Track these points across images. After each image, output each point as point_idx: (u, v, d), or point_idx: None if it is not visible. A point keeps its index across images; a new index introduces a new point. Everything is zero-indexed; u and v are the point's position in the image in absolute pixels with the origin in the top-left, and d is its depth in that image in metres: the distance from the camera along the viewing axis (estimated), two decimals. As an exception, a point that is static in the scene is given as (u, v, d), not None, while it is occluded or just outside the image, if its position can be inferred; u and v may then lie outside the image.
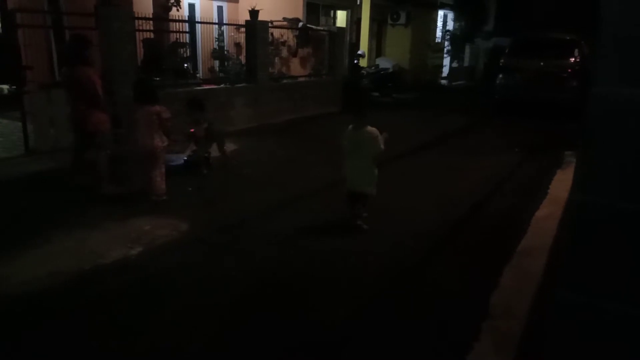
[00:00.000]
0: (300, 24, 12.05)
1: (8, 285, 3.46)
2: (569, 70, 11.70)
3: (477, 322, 3.11)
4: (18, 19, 6.63)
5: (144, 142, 4.95)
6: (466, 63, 22.88)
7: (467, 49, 22.32)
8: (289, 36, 11.86)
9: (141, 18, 8.10)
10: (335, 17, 15.67)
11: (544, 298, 3.27)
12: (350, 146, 4.50)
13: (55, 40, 8.90)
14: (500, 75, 12.56)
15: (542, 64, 11.90)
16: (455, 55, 21.31)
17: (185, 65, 9.43)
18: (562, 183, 6.03)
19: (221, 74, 10.14)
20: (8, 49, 6.79)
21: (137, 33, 7.91)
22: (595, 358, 1.41)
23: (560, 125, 10.39)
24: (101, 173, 5.38)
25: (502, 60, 12.78)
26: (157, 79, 8.36)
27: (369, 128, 4.42)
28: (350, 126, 4.53)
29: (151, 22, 8.73)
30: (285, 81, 11.50)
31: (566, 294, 1.37)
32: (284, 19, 12.00)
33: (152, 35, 8.78)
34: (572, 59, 11.87)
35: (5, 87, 9.22)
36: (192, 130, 6.27)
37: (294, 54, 12.15)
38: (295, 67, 12.29)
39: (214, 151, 6.62)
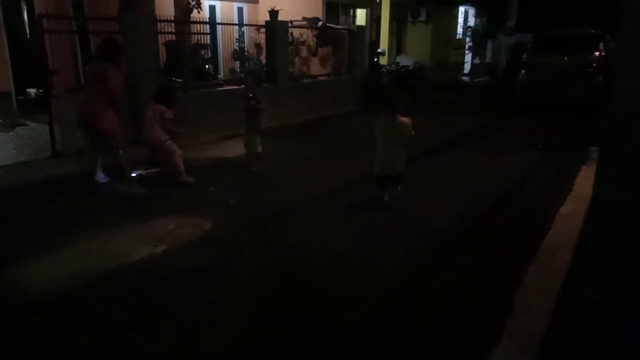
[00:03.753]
0: (320, 24, 12.07)
1: (34, 285, 3.54)
2: (594, 65, 11.45)
3: (500, 320, 3.09)
4: (45, 24, 6.79)
5: (148, 134, 5.86)
6: (488, 59, 22.61)
7: (489, 45, 22.05)
8: (308, 36, 11.89)
9: (163, 21, 8.23)
10: (354, 16, 15.66)
11: (568, 296, 3.22)
12: (384, 134, 5.09)
13: (80, 45, 9.08)
14: (523, 72, 12.37)
15: (565, 59, 11.68)
16: (476, 51, 21.08)
17: (207, 66, 9.54)
18: (586, 180, 5.92)
19: (242, 75, 10.22)
20: (35, 54, 6.97)
21: (159, 36, 8.04)
22: (614, 356, 1.39)
23: (586, 121, 10.17)
24: (126, 174, 5.48)
25: (524, 56, 12.59)
26: (179, 80, 8.48)
27: (401, 118, 5.06)
28: (382, 117, 5.11)
29: (173, 24, 8.85)
30: (305, 81, 11.54)
31: (586, 292, 1.35)
32: (304, 18, 12.04)
33: (174, 38, 8.90)
34: (597, 54, 11.62)
35: (32, 91, 9.45)
36: (250, 95, 6.48)
37: (314, 54, 12.18)
38: (315, 67, 12.32)
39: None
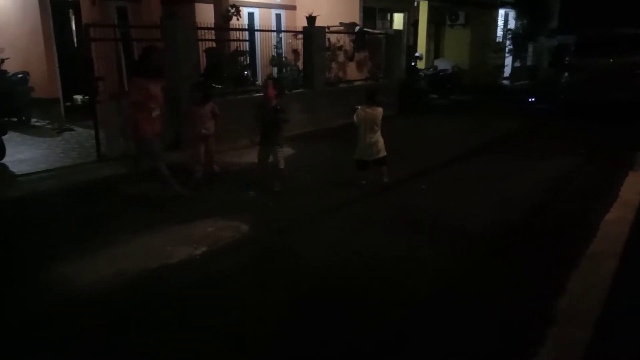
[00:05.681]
0: (357, 28, 12.07)
1: (77, 285, 3.66)
2: (642, 67, 11.06)
3: (542, 327, 3.01)
4: (91, 33, 7.04)
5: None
6: (529, 62, 22.10)
7: (530, 48, 21.56)
8: (345, 41, 11.91)
9: (203, 28, 8.41)
10: (392, 20, 15.58)
11: (615, 304, 3.11)
12: (363, 122, 5.82)
13: (124, 52, 9.38)
14: (566, 74, 12.05)
15: (611, 61, 11.32)
16: (517, 54, 20.64)
17: (245, 72, 9.68)
18: (634, 185, 5.72)
19: (263, 82, 10.30)
20: (82, 61, 7.23)
21: (199, 42, 8.21)
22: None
23: (632, 125, 9.84)
24: (167, 179, 5.52)
25: (567, 59, 12.27)
26: (219, 86, 8.64)
27: (378, 108, 5.88)
28: (360, 107, 5.89)
29: (213, 31, 9.02)
30: (341, 86, 11.55)
31: (634, 299, 1.31)
32: (341, 23, 12.06)
33: (213, 44, 9.08)
34: (645, 55, 11.21)
35: (79, 97, 9.81)
36: (279, 107, 5.94)
37: (351, 58, 12.18)
38: (352, 72, 12.31)
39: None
